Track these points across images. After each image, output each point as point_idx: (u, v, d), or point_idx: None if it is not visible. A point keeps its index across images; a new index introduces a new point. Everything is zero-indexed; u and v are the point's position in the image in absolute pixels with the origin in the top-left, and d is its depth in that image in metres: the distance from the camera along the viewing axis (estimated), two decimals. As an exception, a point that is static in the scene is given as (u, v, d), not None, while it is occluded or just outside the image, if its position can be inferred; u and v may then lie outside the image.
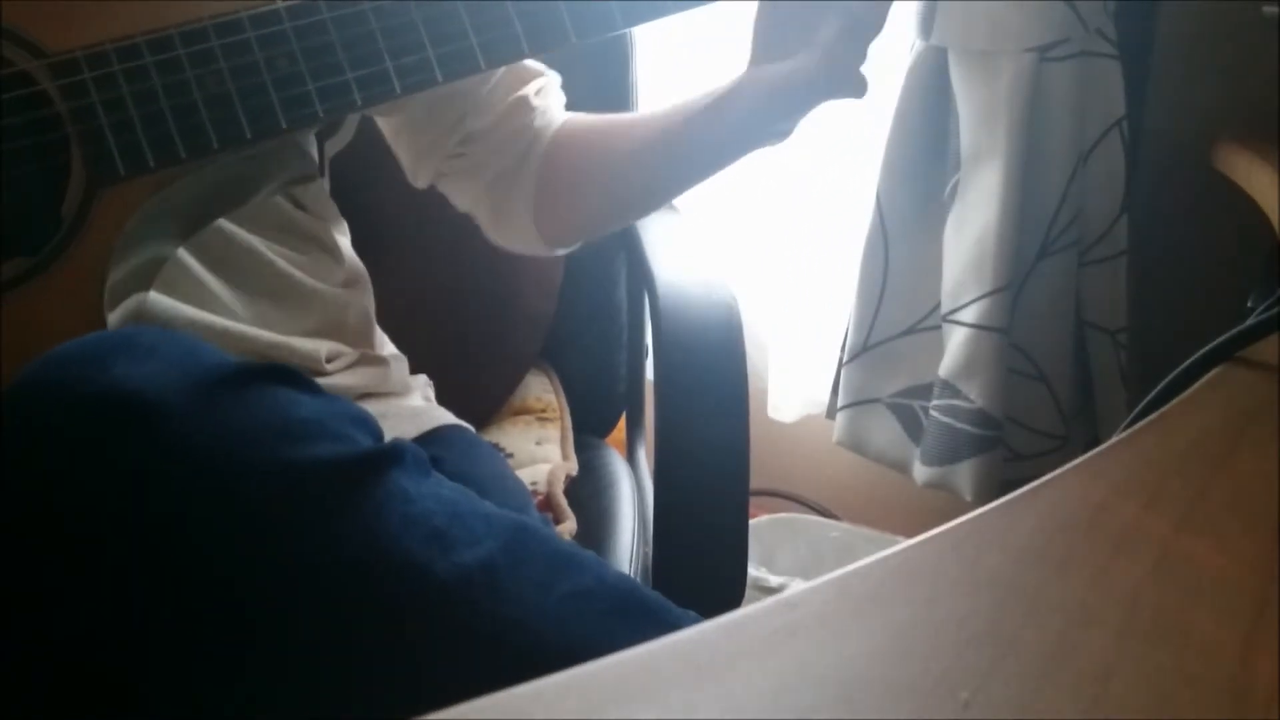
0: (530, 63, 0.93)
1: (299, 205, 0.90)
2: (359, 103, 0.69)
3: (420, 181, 0.95)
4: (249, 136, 0.66)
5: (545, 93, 0.94)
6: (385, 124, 0.94)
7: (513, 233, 0.95)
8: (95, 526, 0.54)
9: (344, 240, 0.97)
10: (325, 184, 0.94)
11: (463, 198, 0.95)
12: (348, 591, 0.56)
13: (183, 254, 0.80)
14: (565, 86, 1.17)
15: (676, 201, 1.25)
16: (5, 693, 0.55)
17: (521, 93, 0.92)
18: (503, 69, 0.91)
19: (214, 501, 0.55)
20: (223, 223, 0.82)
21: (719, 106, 0.85)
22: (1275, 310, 0.54)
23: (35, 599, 0.55)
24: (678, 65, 1.55)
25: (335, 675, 0.56)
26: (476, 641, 0.56)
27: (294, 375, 0.61)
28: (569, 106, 0.96)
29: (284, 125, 0.67)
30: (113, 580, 0.54)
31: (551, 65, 0.95)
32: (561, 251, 0.98)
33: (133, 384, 0.55)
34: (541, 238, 0.94)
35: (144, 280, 0.70)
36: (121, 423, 0.54)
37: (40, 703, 0.55)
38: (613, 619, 0.59)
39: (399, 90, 0.69)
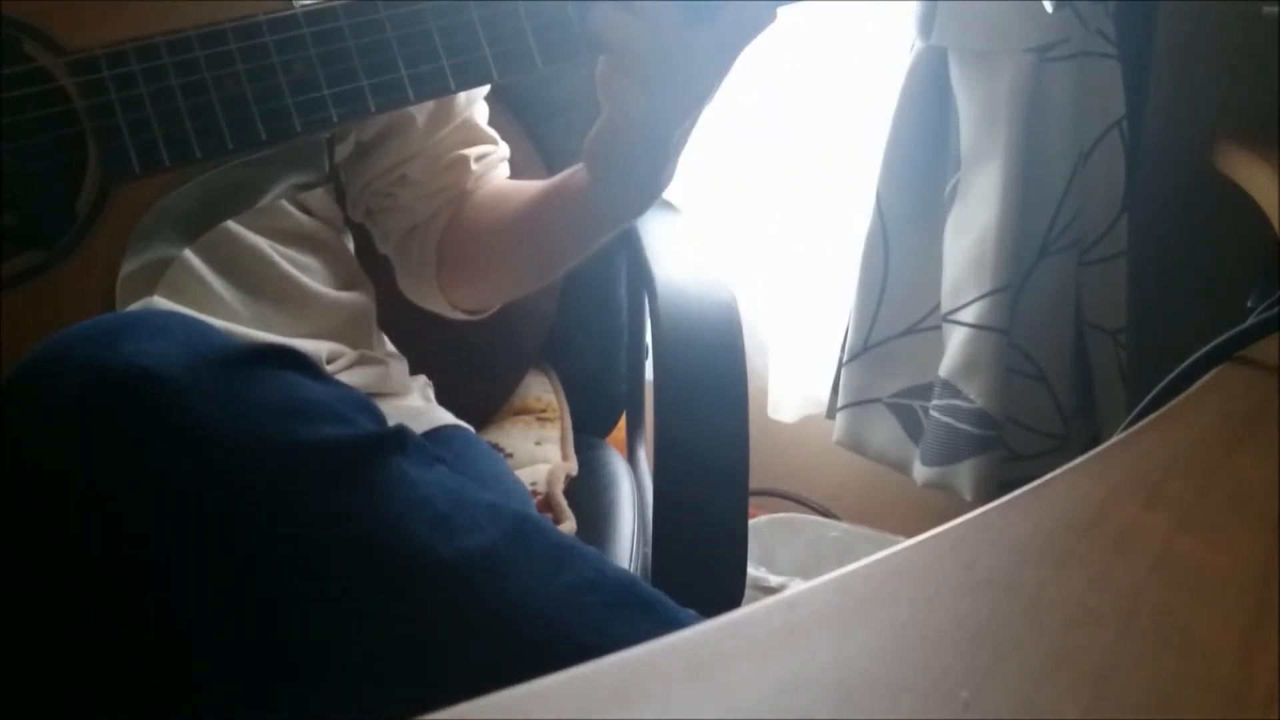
0: (486, 130, 0.95)
1: (306, 210, 0.90)
2: (373, 109, 0.69)
3: (355, 214, 0.95)
4: (264, 138, 0.67)
5: (487, 161, 0.94)
6: (340, 149, 0.94)
7: (418, 285, 0.96)
8: (103, 500, 0.55)
9: (348, 243, 0.97)
10: (332, 189, 0.94)
11: (384, 240, 0.96)
12: (349, 569, 0.56)
13: (189, 255, 0.81)
14: (562, 88, 1.17)
15: (677, 201, 1.26)
16: (9, 659, 0.55)
17: (465, 152, 0.92)
18: (460, 123, 0.92)
19: (220, 476, 0.55)
20: (230, 224, 0.82)
21: (559, 196, 0.84)
22: (1275, 310, 0.54)
23: (39, 575, 0.55)
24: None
25: (334, 651, 0.56)
26: (476, 625, 0.56)
27: (300, 360, 0.61)
28: (568, 109, 0.96)
29: (299, 129, 0.68)
30: (117, 554, 0.55)
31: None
32: (461, 315, 0.96)
33: (142, 360, 0.55)
34: (443, 296, 0.95)
35: (151, 281, 0.71)
36: (130, 398, 0.54)
37: (45, 670, 0.55)
38: (612, 611, 0.59)
39: (413, 98, 0.70)
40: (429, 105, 0.89)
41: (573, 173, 0.83)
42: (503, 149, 0.96)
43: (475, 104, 0.94)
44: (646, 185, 0.79)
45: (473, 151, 0.93)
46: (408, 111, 0.89)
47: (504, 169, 0.96)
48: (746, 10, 0.71)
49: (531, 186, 0.89)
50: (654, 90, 0.71)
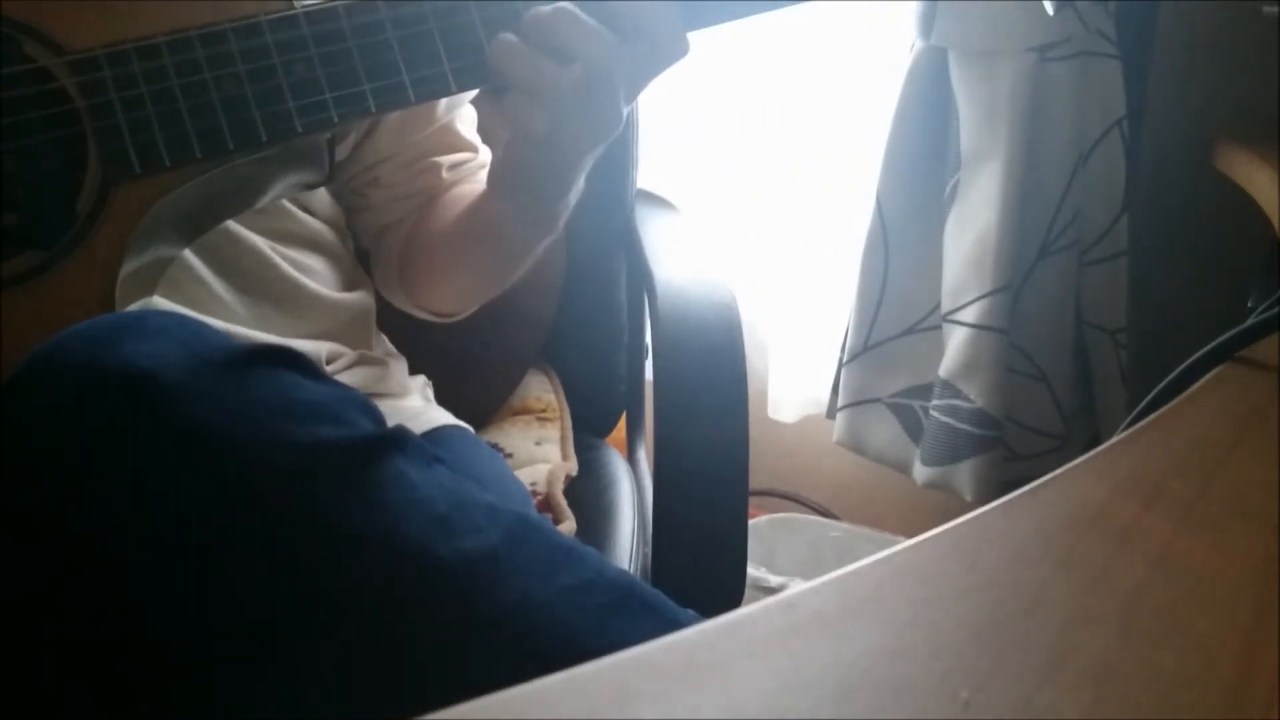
0: (467, 138, 0.95)
1: (307, 211, 0.90)
2: (373, 110, 0.69)
3: (341, 203, 0.96)
4: (264, 139, 0.67)
5: (464, 169, 0.94)
6: (340, 149, 0.94)
7: (388, 286, 0.97)
8: (100, 502, 0.55)
9: (348, 244, 0.97)
10: (332, 188, 0.94)
11: (362, 236, 0.97)
12: (349, 571, 0.56)
13: (188, 256, 0.81)
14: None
15: (676, 201, 1.26)
16: (9, 659, 0.55)
17: (438, 159, 0.93)
18: (439, 128, 0.92)
19: (218, 478, 0.55)
20: (231, 225, 0.82)
21: (484, 193, 0.85)
22: (1275, 310, 0.54)
23: (38, 576, 0.55)
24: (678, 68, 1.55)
25: (334, 652, 0.56)
26: (475, 627, 0.56)
27: (300, 360, 0.61)
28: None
29: (299, 130, 0.68)
30: (116, 555, 0.55)
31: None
32: (429, 317, 0.97)
33: (141, 362, 0.55)
34: (409, 299, 0.96)
35: (150, 282, 0.71)
36: (129, 399, 0.54)
37: (45, 670, 0.55)
38: (611, 612, 0.59)
39: (413, 99, 0.70)
40: (414, 110, 0.89)
41: (489, 186, 0.84)
42: (483, 156, 0.95)
43: (458, 110, 0.94)
44: (553, 206, 0.80)
45: (447, 159, 0.93)
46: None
47: (484, 176, 0.95)
48: (663, 41, 0.71)
49: (473, 193, 0.89)
50: (561, 118, 0.70)
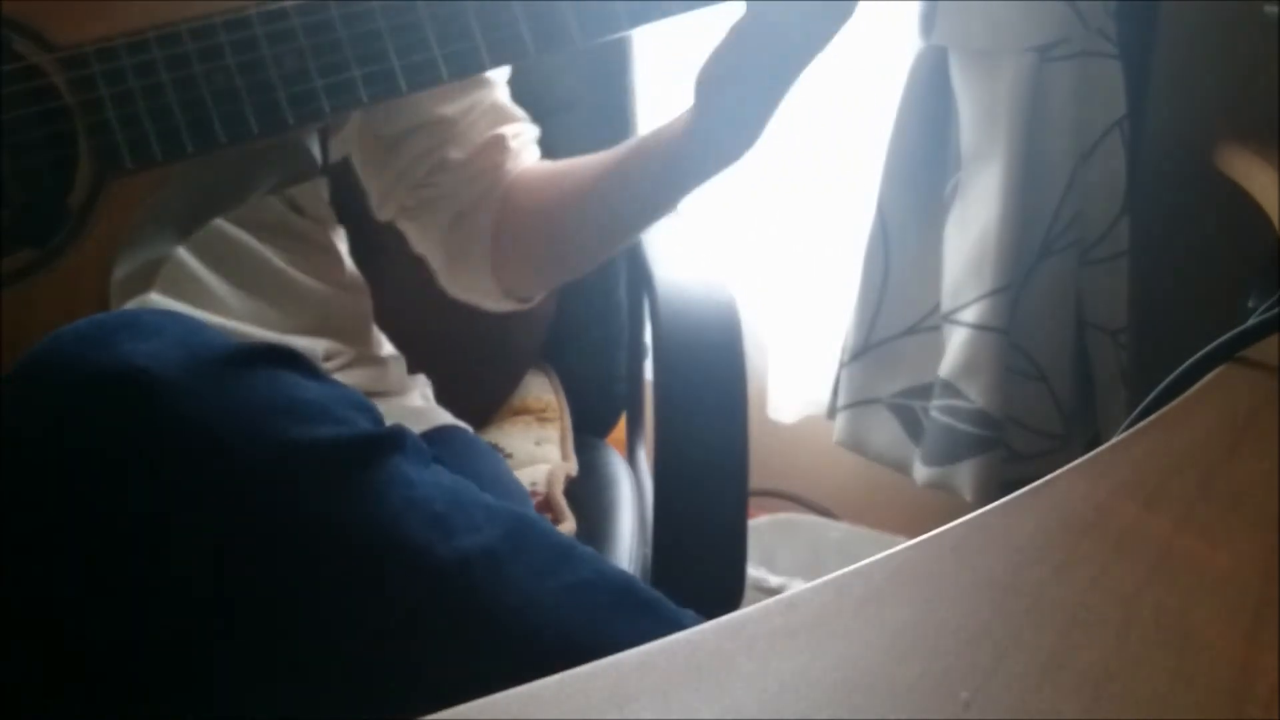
0: (515, 108, 0.94)
1: (296, 209, 0.90)
2: (365, 100, 0.69)
3: (384, 213, 0.94)
4: (256, 132, 0.67)
5: (522, 139, 0.93)
6: (358, 150, 0.93)
7: (468, 277, 0.94)
8: (97, 501, 0.54)
9: (341, 245, 0.97)
10: (325, 187, 0.94)
11: (422, 236, 0.95)
12: (347, 571, 0.56)
13: (183, 253, 0.81)
14: (563, 86, 1.17)
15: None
16: (7, 661, 0.55)
17: (500, 131, 0.91)
18: (489, 104, 0.91)
19: (215, 477, 0.55)
20: (224, 222, 0.82)
21: (646, 150, 0.84)
22: (1275, 310, 0.54)
23: (34, 576, 0.55)
24: (677, 65, 1.55)
25: (331, 654, 0.56)
26: (474, 627, 0.56)
27: (297, 359, 0.61)
28: (568, 108, 0.95)
29: (291, 121, 0.67)
30: (113, 555, 0.55)
31: (550, 62, 0.95)
32: (512, 305, 0.96)
33: (138, 360, 0.55)
34: (498, 284, 0.93)
35: (146, 279, 0.71)
36: (126, 398, 0.54)
37: (44, 671, 0.55)
38: (610, 611, 0.59)
39: (404, 88, 0.70)
40: (454, 89, 0.88)
41: (664, 126, 0.82)
42: (535, 128, 0.94)
43: (500, 86, 0.93)
44: (749, 126, 0.81)
45: (507, 130, 0.91)
46: (434, 97, 0.87)
47: (535, 149, 0.94)
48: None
49: (602, 154, 0.88)
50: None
